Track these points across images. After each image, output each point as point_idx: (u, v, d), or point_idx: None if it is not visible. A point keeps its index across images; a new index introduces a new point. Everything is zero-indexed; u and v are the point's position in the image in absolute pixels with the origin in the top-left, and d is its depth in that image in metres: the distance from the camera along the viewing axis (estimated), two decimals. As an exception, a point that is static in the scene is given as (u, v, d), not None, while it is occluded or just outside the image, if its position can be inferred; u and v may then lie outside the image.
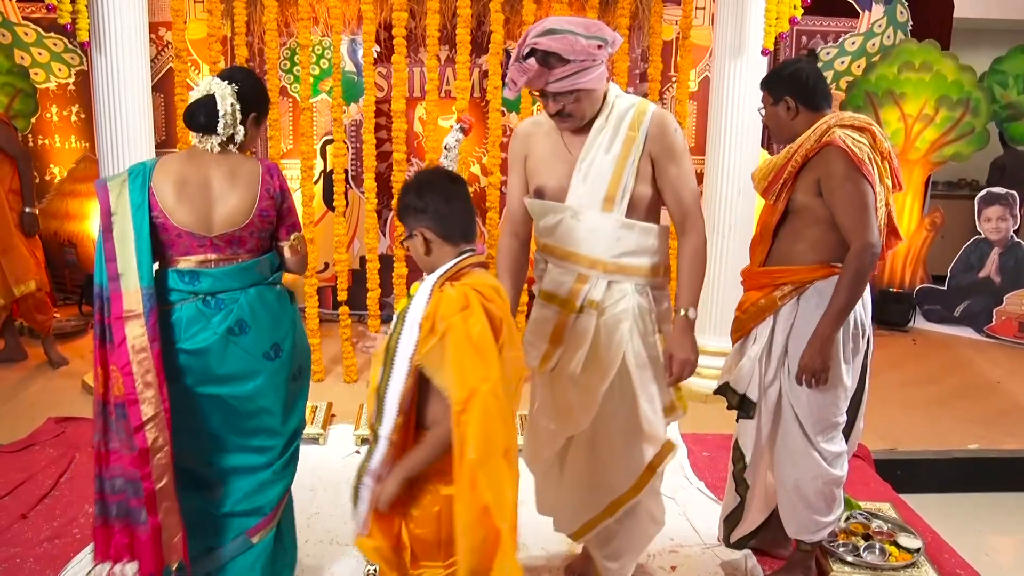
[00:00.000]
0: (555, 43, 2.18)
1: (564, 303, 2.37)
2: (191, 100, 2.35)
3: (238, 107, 2.32)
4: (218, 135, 2.31)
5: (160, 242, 2.28)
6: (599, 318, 2.34)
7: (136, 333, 2.19)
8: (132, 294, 2.20)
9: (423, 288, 1.91)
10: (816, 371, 2.42)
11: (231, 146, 2.36)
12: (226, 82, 2.32)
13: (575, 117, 2.30)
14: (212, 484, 2.38)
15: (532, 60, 2.20)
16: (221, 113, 2.28)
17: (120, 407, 2.21)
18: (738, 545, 2.83)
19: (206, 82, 2.35)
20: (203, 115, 2.30)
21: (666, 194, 2.37)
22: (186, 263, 2.30)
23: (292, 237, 2.43)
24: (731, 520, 2.78)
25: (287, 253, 2.44)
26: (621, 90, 2.40)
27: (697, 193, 2.39)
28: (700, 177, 4.64)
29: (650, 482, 2.44)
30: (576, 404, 2.38)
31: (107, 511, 2.27)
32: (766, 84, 2.61)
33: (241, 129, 2.35)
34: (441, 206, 1.95)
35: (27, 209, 4.74)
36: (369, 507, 1.92)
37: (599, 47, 2.21)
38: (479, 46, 4.94)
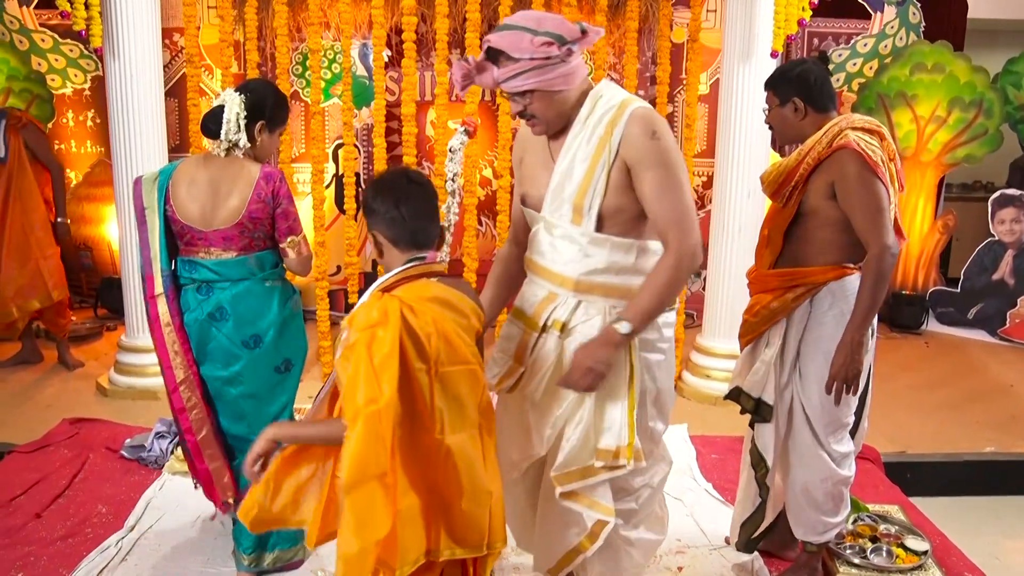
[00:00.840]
0: (502, 40, 2.00)
1: (528, 321, 2.20)
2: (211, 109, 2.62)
3: (242, 116, 2.55)
4: (222, 141, 2.57)
5: (173, 234, 2.61)
6: (564, 339, 2.13)
7: (163, 310, 2.60)
8: (158, 277, 2.60)
9: (366, 294, 1.91)
10: (849, 378, 2.41)
11: (236, 151, 2.59)
12: (238, 93, 2.58)
13: (538, 119, 2.10)
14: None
15: (471, 57, 2.07)
16: (224, 120, 2.54)
17: (163, 371, 2.64)
18: (748, 548, 2.80)
19: (224, 93, 2.62)
20: (212, 123, 2.58)
21: (644, 206, 2.06)
22: (189, 253, 2.61)
23: (287, 240, 2.62)
24: (750, 524, 2.74)
25: (290, 254, 2.63)
26: (619, 89, 2.15)
27: (685, 205, 2.05)
28: (709, 181, 4.64)
29: (610, 523, 2.16)
30: (533, 429, 2.20)
31: (182, 446, 2.71)
32: (772, 84, 2.59)
33: (243, 136, 2.56)
34: (390, 209, 1.89)
35: (59, 219, 4.87)
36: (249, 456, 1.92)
37: (548, 44, 1.97)
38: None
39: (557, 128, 2.13)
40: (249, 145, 2.58)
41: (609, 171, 2.05)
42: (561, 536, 2.22)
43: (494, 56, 2.04)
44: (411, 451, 1.80)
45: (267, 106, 2.60)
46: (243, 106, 2.55)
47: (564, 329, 2.13)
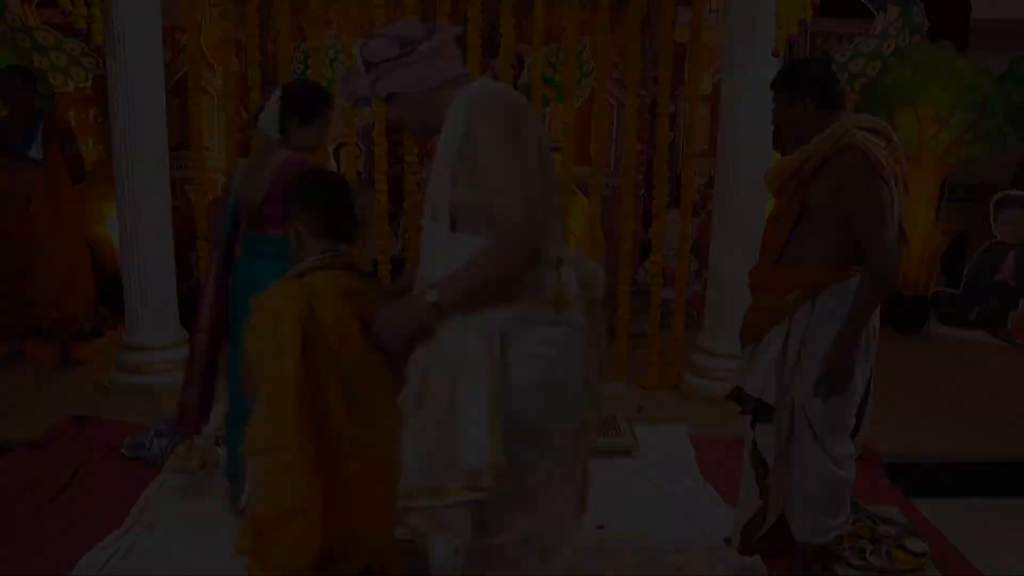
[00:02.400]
0: (365, 50, 2.05)
1: None
2: None
3: (277, 110, 2.86)
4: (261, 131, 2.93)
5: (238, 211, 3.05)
6: (431, 347, 1.96)
7: (214, 266, 3.11)
8: (219, 241, 3.13)
9: (283, 280, 2.07)
10: (840, 379, 2.41)
11: (274, 141, 2.90)
12: (278, 91, 2.92)
13: (405, 123, 2.10)
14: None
15: (347, 68, 2.14)
16: (262, 115, 2.90)
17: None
18: (750, 551, 2.79)
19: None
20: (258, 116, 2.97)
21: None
22: (245, 226, 3.03)
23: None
24: (752, 527, 2.72)
25: None
26: (488, 83, 2.06)
27: (502, 184, 1.85)
28: (711, 181, 4.62)
29: None
30: (404, 440, 1.99)
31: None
32: (781, 83, 2.58)
33: (271, 128, 2.87)
34: (318, 202, 2.10)
35: None
36: None
37: (390, 45, 2.00)
38: (491, 49, 4.95)
39: (424, 133, 2.14)
40: (279, 136, 2.88)
41: (454, 163, 1.92)
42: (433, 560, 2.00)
43: (366, 65, 2.07)
44: (311, 437, 1.89)
45: (296, 102, 2.89)
46: (279, 101, 2.86)
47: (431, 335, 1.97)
